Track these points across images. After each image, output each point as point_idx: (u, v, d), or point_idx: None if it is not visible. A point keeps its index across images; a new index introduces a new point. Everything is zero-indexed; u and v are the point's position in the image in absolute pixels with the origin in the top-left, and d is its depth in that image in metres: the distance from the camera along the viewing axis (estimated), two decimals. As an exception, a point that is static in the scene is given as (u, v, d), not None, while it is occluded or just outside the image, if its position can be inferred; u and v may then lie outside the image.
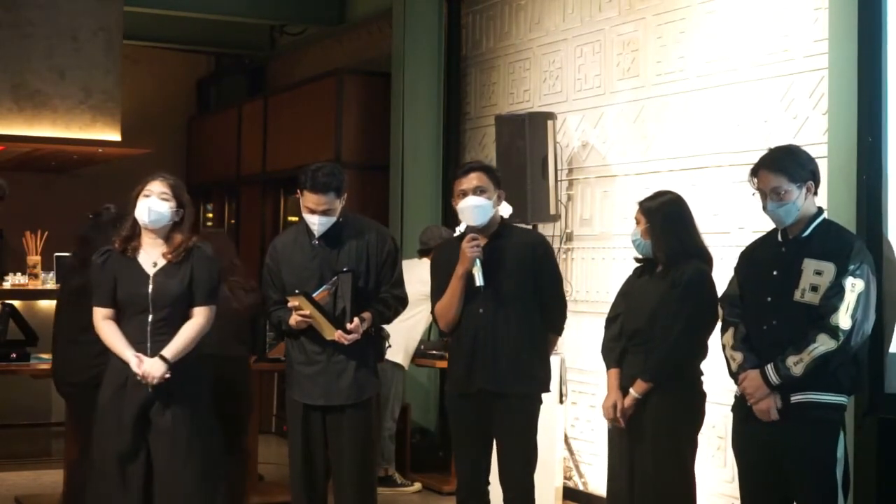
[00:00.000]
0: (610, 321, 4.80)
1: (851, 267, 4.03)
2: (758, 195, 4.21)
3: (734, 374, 4.25)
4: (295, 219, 9.32)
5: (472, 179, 4.76)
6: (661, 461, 4.52)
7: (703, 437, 4.70)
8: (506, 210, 5.70)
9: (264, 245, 8.28)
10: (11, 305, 6.81)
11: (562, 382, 6.35)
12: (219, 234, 6.43)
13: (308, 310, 4.73)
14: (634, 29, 6.61)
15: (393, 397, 7.14)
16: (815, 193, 4.21)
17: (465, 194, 4.76)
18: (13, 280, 8.15)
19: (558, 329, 4.96)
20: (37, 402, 7.89)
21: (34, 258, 8.18)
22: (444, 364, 5.72)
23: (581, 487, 6.86)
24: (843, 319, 4.00)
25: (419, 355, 7.31)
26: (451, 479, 6.30)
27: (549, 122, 6.78)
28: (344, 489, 4.89)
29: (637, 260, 4.81)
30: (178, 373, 4.58)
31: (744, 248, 4.49)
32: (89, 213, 5.61)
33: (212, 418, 4.76)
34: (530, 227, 6.48)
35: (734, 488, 4.39)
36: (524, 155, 6.70)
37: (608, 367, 4.74)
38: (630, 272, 4.89)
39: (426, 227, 7.39)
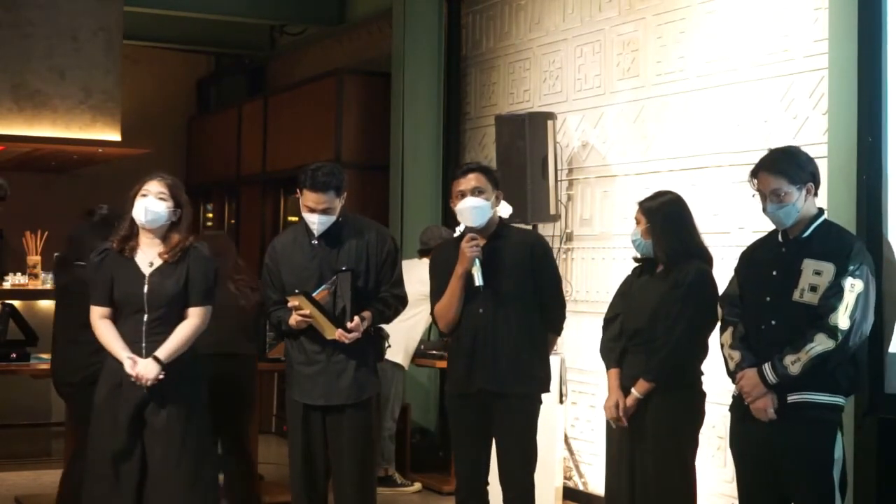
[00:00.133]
0: (608, 321, 4.79)
1: (851, 267, 4.03)
2: (758, 197, 4.21)
3: (732, 374, 4.26)
4: (295, 219, 9.32)
5: (471, 180, 4.76)
6: (662, 461, 4.52)
7: (703, 437, 4.70)
8: (505, 210, 5.70)
9: (264, 245, 8.28)
10: (11, 305, 6.81)
11: (562, 382, 6.36)
12: (219, 235, 6.46)
13: (308, 309, 4.73)
14: (634, 29, 6.61)
15: (393, 397, 7.14)
16: (816, 194, 4.21)
17: (463, 195, 4.76)
18: (13, 280, 8.15)
19: (557, 329, 4.96)
20: (37, 402, 7.88)
21: (34, 258, 8.18)
22: (444, 364, 5.72)
23: (581, 487, 6.86)
24: (842, 319, 4.00)
25: (419, 355, 7.31)
26: (451, 479, 6.30)
27: (549, 122, 6.78)
28: (344, 489, 4.89)
29: (636, 260, 4.81)
30: (172, 373, 4.58)
31: (744, 249, 4.50)
32: (82, 212, 5.62)
33: (207, 418, 4.77)
34: (530, 227, 6.48)
35: (734, 488, 4.39)
36: (524, 155, 6.70)
37: (608, 367, 4.74)
38: (629, 272, 4.89)
39: (426, 227, 7.39)
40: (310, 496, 4.91)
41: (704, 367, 4.64)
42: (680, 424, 4.57)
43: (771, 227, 4.31)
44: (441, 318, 4.85)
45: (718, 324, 4.44)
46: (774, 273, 4.19)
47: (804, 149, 4.38)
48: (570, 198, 7.05)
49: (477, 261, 4.69)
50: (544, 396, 4.90)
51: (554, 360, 5.21)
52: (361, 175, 8.58)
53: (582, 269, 6.95)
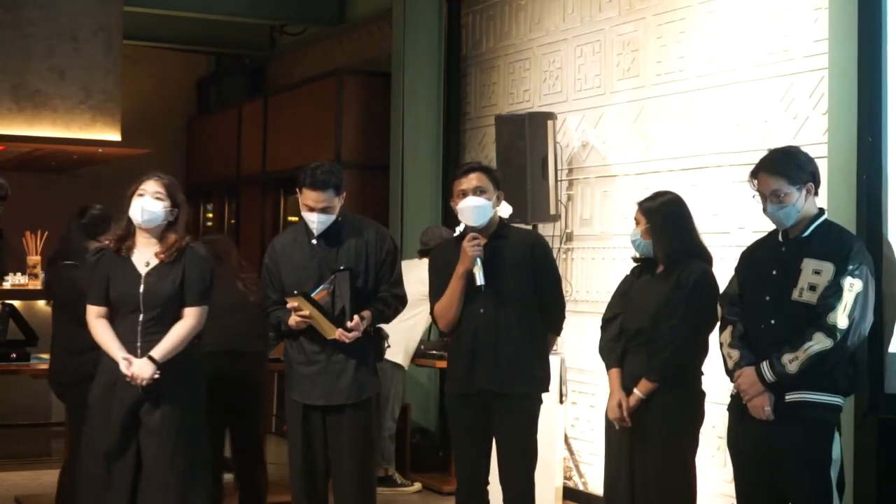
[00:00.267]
0: (607, 321, 4.79)
1: (850, 267, 4.04)
2: (758, 197, 4.21)
3: (731, 372, 4.26)
4: (295, 219, 9.33)
5: (472, 180, 4.76)
6: (662, 460, 4.52)
7: (703, 437, 4.70)
8: (505, 210, 5.70)
9: (264, 245, 8.28)
10: (11, 305, 6.82)
11: (562, 382, 6.35)
12: (220, 238, 6.47)
13: (308, 310, 4.72)
14: (634, 29, 6.61)
15: (393, 397, 7.14)
16: (816, 194, 4.21)
17: (464, 194, 4.75)
18: (13, 280, 8.15)
19: (557, 329, 4.96)
20: (37, 402, 7.88)
21: (34, 258, 8.18)
22: (444, 364, 5.72)
23: (581, 487, 6.86)
24: (840, 319, 4.00)
25: (419, 355, 7.31)
26: (451, 479, 6.29)
27: (549, 122, 6.78)
28: (344, 489, 4.88)
29: (635, 260, 4.81)
30: (168, 373, 4.58)
31: (745, 248, 4.50)
32: (73, 211, 5.64)
33: (202, 419, 4.77)
34: (530, 227, 6.48)
35: (734, 488, 4.39)
36: (524, 155, 6.70)
37: (608, 368, 4.73)
38: (629, 272, 4.89)
39: (426, 227, 7.39)
40: (310, 496, 4.91)
41: (704, 366, 4.64)
42: (681, 424, 4.57)
43: (771, 227, 4.32)
44: (441, 317, 4.85)
45: (718, 323, 4.44)
46: (774, 272, 4.19)
47: (804, 149, 4.38)
48: (570, 198, 7.05)
49: (478, 260, 4.69)
50: (544, 396, 4.90)
51: (554, 360, 5.21)
52: (361, 175, 8.59)
53: (582, 269, 6.95)
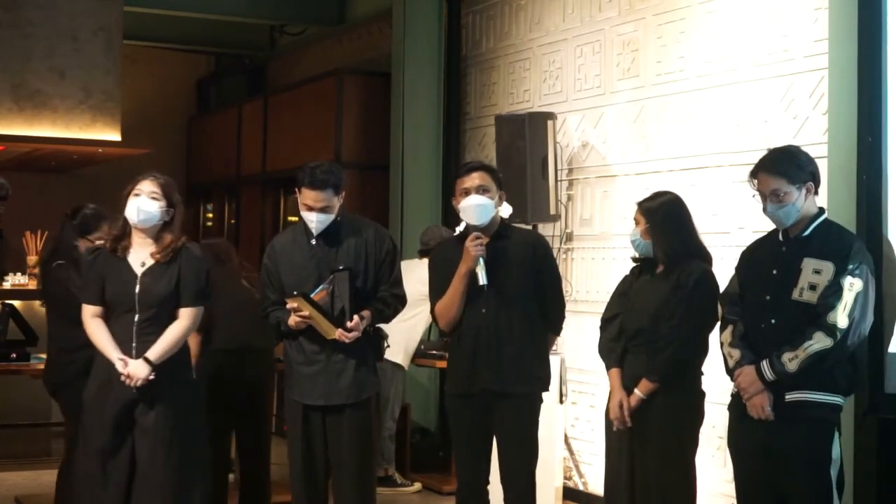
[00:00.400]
0: (607, 321, 4.79)
1: (850, 267, 4.04)
2: (758, 197, 4.21)
3: (731, 372, 4.26)
4: (295, 219, 9.32)
5: (475, 178, 4.76)
6: (663, 460, 4.53)
7: (703, 437, 4.70)
8: (505, 211, 5.70)
9: (264, 245, 8.27)
10: (11, 305, 6.82)
11: (562, 382, 6.35)
12: (220, 241, 6.50)
13: (307, 311, 4.72)
14: (634, 29, 6.61)
15: (393, 397, 7.14)
16: (816, 193, 4.21)
17: (467, 193, 4.75)
18: (13, 280, 8.16)
19: (557, 329, 4.96)
20: (37, 402, 7.88)
21: (34, 258, 8.19)
22: (444, 364, 5.72)
23: (581, 487, 6.86)
24: (840, 318, 4.00)
25: (419, 355, 7.31)
26: (451, 479, 6.30)
27: (549, 122, 6.78)
28: (344, 489, 4.88)
29: (635, 260, 4.81)
30: (163, 374, 4.58)
31: (745, 248, 4.50)
32: (67, 211, 5.64)
33: (198, 419, 4.77)
34: (530, 227, 6.48)
35: (734, 488, 4.39)
36: (524, 155, 6.70)
37: (608, 367, 4.73)
38: (628, 272, 4.89)
39: (427, 227, 7.39)
40: (310, 496, 4.91)
41: (704, 366, 4.64)
42: (681, 424, 4.57)
43: (771, 226, 4.32)
44: (442, 316, 4.84)
45: (718, 323, 4.44)
46: (774, 272, 4.19)
47: (804, 149, 4.38)
48: (570, 198, 7.05)
49: (481, 260, 4.69)
50: (544, 396, 4.90)
51: (554, 360, 5.20)
52: (361, 175, 8.59)
53: (582, 269, 6.95)
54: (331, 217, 4.83)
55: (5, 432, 8.18)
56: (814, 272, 4.08)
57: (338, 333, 4.75)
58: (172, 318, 4.67)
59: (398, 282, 4.97)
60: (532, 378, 4.80)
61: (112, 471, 4.59)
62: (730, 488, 4.57)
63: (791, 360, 4.05)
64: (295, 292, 4.73)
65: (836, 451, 4.10)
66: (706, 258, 4.67)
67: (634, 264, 4.81)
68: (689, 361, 4.57)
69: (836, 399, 4.11)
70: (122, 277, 4.65)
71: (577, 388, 6.83)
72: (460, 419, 4.84)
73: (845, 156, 5.00)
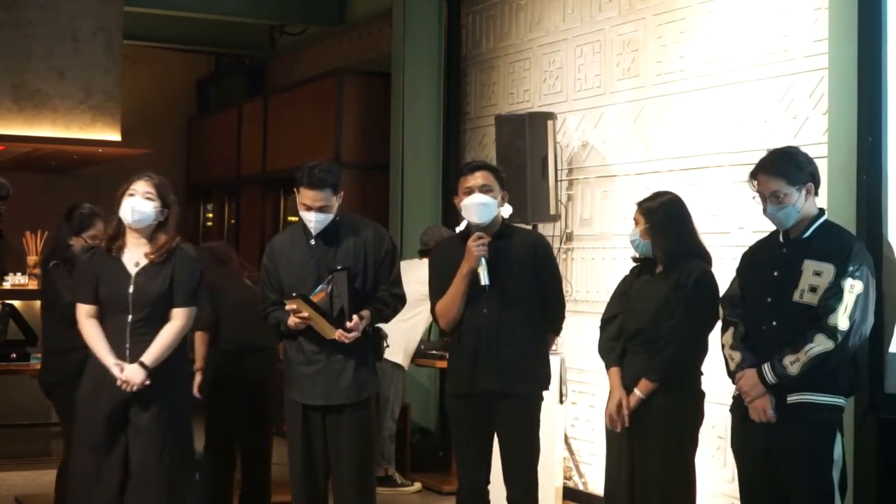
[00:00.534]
0: (606, 321, 4.79)
1: (851, 268, 4.03)
2: (758, 198, 4.21)
3: (732, 374, 4.26)
4: (295, 219, 9.33)
5: (479, 177, 4.75)
6: (663, 460, 4.52)
7: (703, 437, 4.70)
8: (506, 211, 5.69)
9: (264, 245, 8.27)
10: (11, 305, 6.82)
11: (562, 382, 6.35)
12: (219, 244, 6.50)
13: (307, 312, 4.72)
14: (634, 29, 6.61)
15: (393, 397, 7.14)
16: (816, 194, 4.21)
17: (470, 191, 4.74)
18: (13, 280, 8.16)
19: (557, 329, 4.96)
20: (37, 402, 7.85)
21: (34, 258, 8.18)
22: (444, 364, 5.72)
23: (581, 487, 6.86)
24: (841, 320, 4.00)
25: (419, 355, 7.31)
26: (451, 479, 6.30)
27: (549, 122, 6.78)
28: (344, 489, 4.88)
29: (634, 260, 4.81)
30: (158, 376, 4.59)
31: (746, 249, 4.50)
32: (64, 211, 5.65)
33: (190, 419, 4.79)
34: (530, 227, 6.48)
35: (734, 488, 4.40)
36: (524, 155, 6.70)
37: (608, 367, 4.73)
38: (628, 272, 4.89)
39: (427, 227, 7.39)
40: (310, 496, 4.90)
41: (704, 366, 4.64)
42: (681, 424, 4.57)
43: (771, 227, 4.31)
44: (443, 316, 4.84)
45: (719, 324, 4.44)
46: (775, 273, 4.19)
47: (804, 149, 4.38)
48: (570, 198, 7.05)
49: (483, 260, 4.68)
50: (544, 395, 4.90)
51: (554, 360, 5.20)
52: (361, 175, 8.59)
53: (582, 269, 6.95)
54: (329, 217, 4.82)
55: (5, 432, 8.17)
56: (814, 274, 4.07)
57: (337, 334, 4.74)
58: (166, 318, 4.67)
59: (397, 282, 4.97)
60: (532, 378, 4.80)
61: (106, 469, 4.60)
62: (730, 488, 4.57)
63: (792, 364, 4.05)
64: (294, 294, 4.73)
65: (837, 452, 4.10)
66: (706, 258, 4.67)
67: (634, 264, 4.81)
68: (688, 361, 4.57)
69: (838, 400, 4.11)
70: (116, 277, 4.65)
71: (577, 388, 6.83)
72: (461, 419, 4.84)
73: (845, 156, 5.00)
